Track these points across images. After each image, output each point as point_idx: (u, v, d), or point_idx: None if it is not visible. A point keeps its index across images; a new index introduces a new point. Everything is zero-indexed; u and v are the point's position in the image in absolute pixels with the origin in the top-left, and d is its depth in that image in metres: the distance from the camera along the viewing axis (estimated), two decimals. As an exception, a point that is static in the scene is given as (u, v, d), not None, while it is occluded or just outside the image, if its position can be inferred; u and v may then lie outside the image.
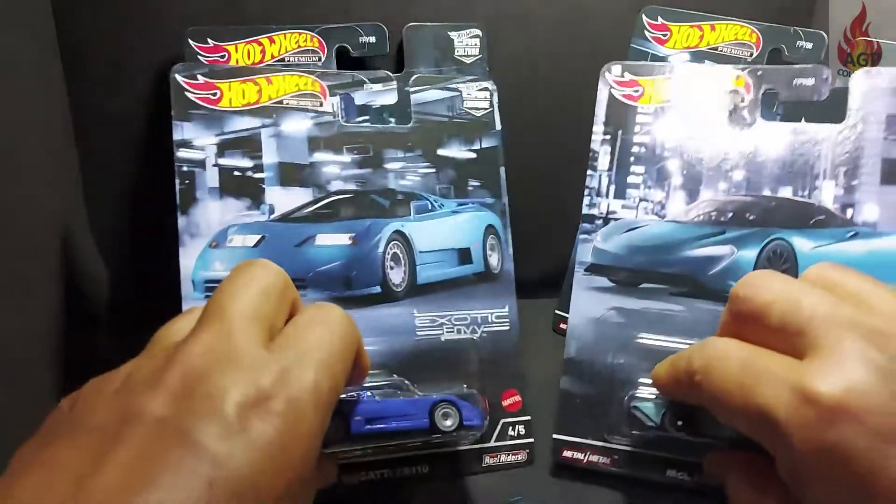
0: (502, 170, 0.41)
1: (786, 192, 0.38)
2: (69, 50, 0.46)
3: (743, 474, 0.29)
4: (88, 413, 0.20)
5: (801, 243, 0.38)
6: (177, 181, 0.36)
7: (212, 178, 0.37)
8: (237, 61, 0.43)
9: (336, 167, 0.38)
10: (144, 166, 0.48)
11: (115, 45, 0.46)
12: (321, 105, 0.38)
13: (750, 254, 0.38)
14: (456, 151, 0.40)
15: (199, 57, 0.43)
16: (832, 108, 0.38)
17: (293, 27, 0.44)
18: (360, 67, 0.47)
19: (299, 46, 0.44)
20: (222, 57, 0.43)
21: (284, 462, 0.20)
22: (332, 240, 0.38)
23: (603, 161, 0.40)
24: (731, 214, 0.39)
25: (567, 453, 0.38)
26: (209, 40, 0.43)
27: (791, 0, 0.54)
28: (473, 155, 0.41)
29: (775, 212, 0.38)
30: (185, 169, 0.36)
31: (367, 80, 0.40)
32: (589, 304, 0.39)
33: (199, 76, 0.37)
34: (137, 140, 0.46)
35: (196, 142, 0.37)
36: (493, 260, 0.41)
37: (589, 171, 0.40)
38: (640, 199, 0.39)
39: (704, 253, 0.38)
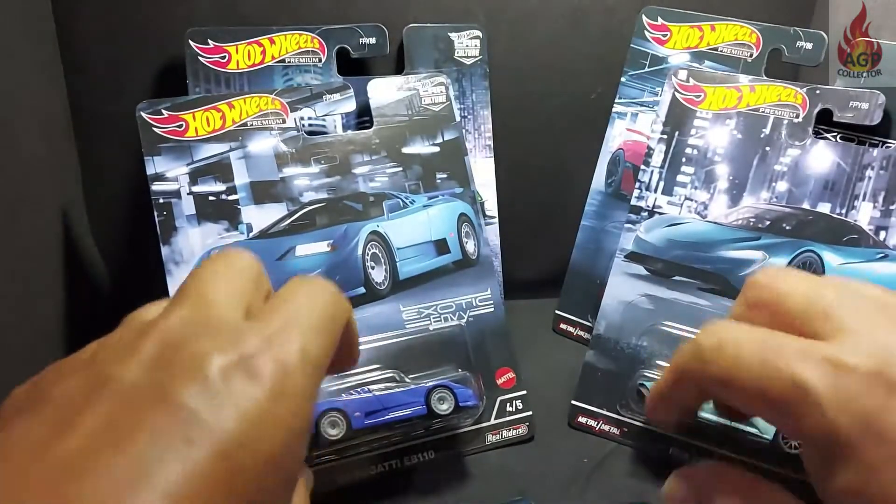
0: (467, 159, 0.42)
1: (824, 208, 0.40)
2: (69, 50, 0.46)
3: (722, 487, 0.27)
4: (52, 386, 0.18)
5: (831, 258, 0.39)
6: (155, 214, 0.37)
7: (188, 206, 0.38)
8: (238, 62, 0.43)
9: (306, 179, 0.40)
10: (144, 167, 0.48)
11: (115, 45, 0.46)
12: (283, 122, 0.40)
13: (780, 261, 0.40)
14: (419, 148, 0.41)
15: (199, 58, 0.43)
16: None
17: (293, 28, 0.44)
18: (360, 68, 0.47)
19: (299, 47, 0.44)
20: (223, 58, 0.43)
21: (275, 422, 0.19)
22: (311, 249, 0.39)
23: (657, 158, 0.42)
24: (768, 222, 0.41)
25: (581, 419, 0.41)
26: (209, 41, 0.43)
27: (791, 0, 0.54)
28: (437, 149, 0.42)
29: (811, 225, 0.40)
30: (161, 201, 0.38)
31: (325, 92, 0.41)
32: (623, 288, 0.41)
33: (163, 111, 0.38)
34: (137, 140, 0.46)
35: (168, 173, 0.38)
36: (470, 247, 0.42)
37: (642, 166, 0.42)
38: (686, 198, 0.42)
39: (738, 255, 0.41)
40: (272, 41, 0.44)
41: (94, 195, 0.48)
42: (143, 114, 0.38)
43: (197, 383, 0.18)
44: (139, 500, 0.15)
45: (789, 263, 0.40)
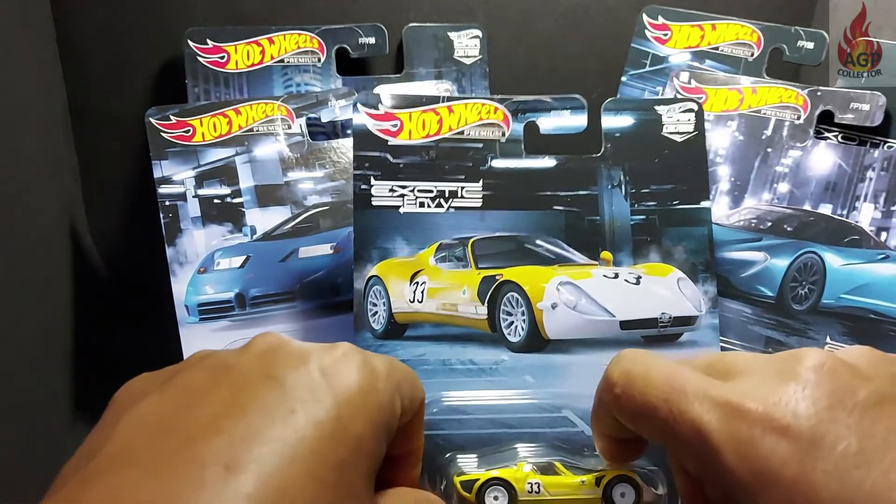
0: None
1: (825, 209, 0.40)
2: (69, 50, 0.46)
3: None
4: (173, 377, 0.21)
5: (832, 259, 0.39)
6: (161, 216, 0.38)
7: (193, 208, 0.39)
8: (237, 62, 0.43)
9: (310, 182, 0.40)
10: (144, 167, 0.48)
11: (116, 46, 0.46)
12: (289, 127, 0.40)
13: (781, 263, 0.40)
14: None
15: (198, 58, 0.43)
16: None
17: (293, 28, 0.44)
18: (359, 68, 0.47)
19: (298, 47, 0.44)
20: (222, 58, 0.43)
21: (364, 410, 0.21)
22: (314, 251, 0.40)
23: None
24: (769, 223, 0.41)
25: None
26: (208, 41, 0.43)
27: (791, 0, 0.54)
28: None
29: (812, 226, 0.40)
30: (167, 203, 0.39)
31: (331, 98, 0.41)
32: None
33: (171, 116, 0.39)
34: (137, 140, 0.46)
35: (175, 177, 0.39)
36: None
37: None
38: None
39: (739, 256, 0.41)
40: (271, 41, 0.44)
41: (94, 195, 0.48)
42: (151, 119, 0.39)
43: (299, 370, 0.21)
44: (251, 453, 0.18)
45: (791, 264, 0.40)
